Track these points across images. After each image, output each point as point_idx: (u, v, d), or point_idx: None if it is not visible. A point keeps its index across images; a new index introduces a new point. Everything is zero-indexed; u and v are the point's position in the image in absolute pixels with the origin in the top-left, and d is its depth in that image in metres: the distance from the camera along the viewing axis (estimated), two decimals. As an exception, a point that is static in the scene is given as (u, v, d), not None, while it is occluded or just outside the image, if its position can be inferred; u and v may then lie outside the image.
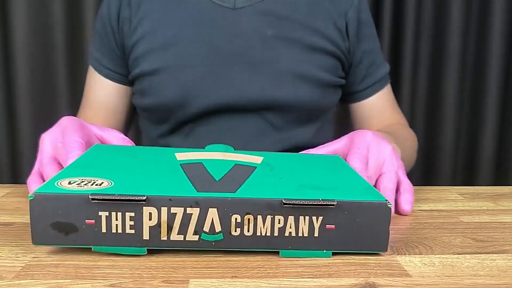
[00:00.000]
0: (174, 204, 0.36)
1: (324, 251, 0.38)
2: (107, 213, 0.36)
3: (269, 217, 0.37)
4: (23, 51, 1.25)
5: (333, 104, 0.80)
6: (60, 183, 0.38)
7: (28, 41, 1.25)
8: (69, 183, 0.38)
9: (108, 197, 0.35)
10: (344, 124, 0.85)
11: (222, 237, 0.37)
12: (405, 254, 0.39)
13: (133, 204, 0.36)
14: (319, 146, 0.57)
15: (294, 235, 0.37)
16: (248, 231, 0.37)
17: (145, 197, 0.36)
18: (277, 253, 0.38)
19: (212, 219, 0.36)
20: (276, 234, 0.37)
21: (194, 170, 0.43)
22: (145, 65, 0.73)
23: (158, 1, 0.75)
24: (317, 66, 0.73)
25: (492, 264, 0.38)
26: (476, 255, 0.39)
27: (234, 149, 0.73)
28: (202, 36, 0.72)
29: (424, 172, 1.38)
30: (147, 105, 0.75)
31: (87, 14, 1.25)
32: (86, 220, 0.36)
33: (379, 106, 0.84)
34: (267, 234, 0.37)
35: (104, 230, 0.36)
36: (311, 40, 0.73)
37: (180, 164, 0.45)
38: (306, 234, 0.37)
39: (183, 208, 0.36)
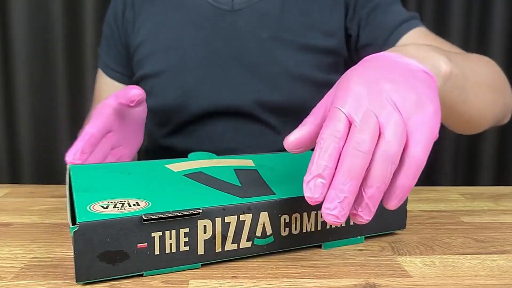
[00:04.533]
0: (228, 213, 0.35)
1: (358, 237, 0.40)
2: (160, 233, 0.33)
3: (313, 213, 0.38)
4: (22, 51, 1.25)
5: None
6: (93, 207, 0.34)
7: (28, 41, 1.25)
8: (104, 207, 0.34)
9: (163, 216, 0.33)
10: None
11: (273, 240, 0.37)
12: (405, 255, 0.39)
13: (186, 219, 0.34)
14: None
15: (334, 226, 0.39)
16: (296, 229, 0.38)
17: (201, 210, 0.34)
18: (299, 249, 0.39)
19: (264, 223, 0.36)
20: (319, 228, 0.39)
21: (207, 180, 0.42)
22: (147, 68, 0.75)
23: (159, 4, 0.76)
24: (312, 66, 0.73)
25: (493, 265, 0.37)
26: (477, 255, 0.39)
27: (235, 150, 0.73)
28: (202, 39, 0.73)
29: (425, 173, 1.37)
30: (149, 107, 0.76)
31: (87, 14, 1.25)
32: (138, 244, 0.33)
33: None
34: (311, 230, 0.38)
35: (157, 252, 0.33)
36: (306, 38, 0.72)
37: (184, 175, 0.43)
38: (343, 224, 0.39)
39: (236, 216, 0.35)
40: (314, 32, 0.73)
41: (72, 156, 0.47)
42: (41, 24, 1.25)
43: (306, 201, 0.35)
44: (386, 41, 0.71)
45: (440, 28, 1.33)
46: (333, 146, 0.33)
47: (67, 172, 0.44)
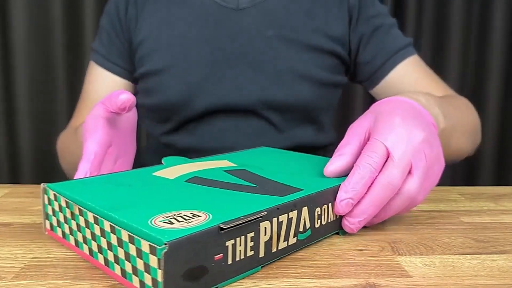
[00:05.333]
0: (281, 212, 0.35)
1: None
2: (232, 241, 0.32)
3: (333, 203, 0.40)
4: (23, 51, 1.25)
5: (334, 104, 0.80)
6: (154, 222, 0.31)
7: (28, 41, 1.25)
8: (167, 222, 0.31)
9: (237, 223, 0.32)
10: (346, 124, 0.85)
11: (310, 232, 0.38)
12: (405, 255, 0.39)
13: (252, 223, 0.33)
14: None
15: None
16: (324, 220, 0.40)
17: (265, 212, 0.34)
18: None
19: (304, 218, 0.38)
20: (338, 217, 0.41)
21: (217, 184, 0.41)
22: (150, 64, 0.74)
23: (162, 1, 0.76)
24: (316, 66, 0.73)
25: (493, 265, 0.37)
26: (477, 255, 0.39)
27: (235, 148, 0.73)
28: (206, 36, 0.73)
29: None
30: (151, 104, 0.76)
31: (87, 14, 1.25)
32: (215, 256, 0.31)
33: (407, 77, 0.75)
34: (333, 219, 0.41)
35: (230, 261, 0.32)
36: (311, 39, 0.73)
37: (186, 181, 0.41)
38: None
39: (286, 214, 0.36)
40: (319, 35, 0.73)
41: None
42: (41, 24, 1.25)
43: (332, 193, 0.40)
44: (382, 65, 0.76)
45: (440, 28, 1.33)
46: (369, 175, 0.39)
47: (46, 192, 0.39)
